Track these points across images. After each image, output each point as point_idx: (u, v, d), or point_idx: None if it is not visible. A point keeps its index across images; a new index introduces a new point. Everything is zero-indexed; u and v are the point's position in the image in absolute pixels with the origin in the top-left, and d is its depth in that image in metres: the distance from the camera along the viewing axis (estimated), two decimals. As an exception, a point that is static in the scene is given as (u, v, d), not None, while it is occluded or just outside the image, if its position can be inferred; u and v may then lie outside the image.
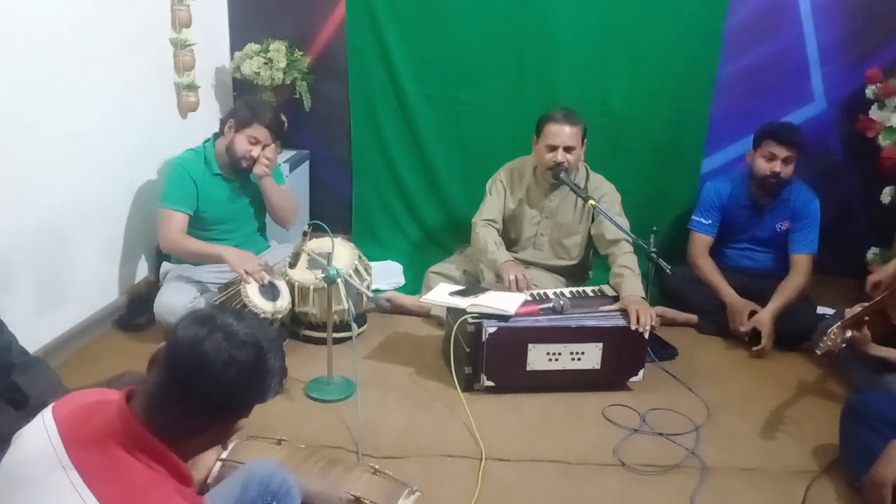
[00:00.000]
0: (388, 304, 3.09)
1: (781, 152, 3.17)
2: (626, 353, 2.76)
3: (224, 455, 1.90)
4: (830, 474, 2.36)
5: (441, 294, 2.88)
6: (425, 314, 3.28)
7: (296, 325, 3.08)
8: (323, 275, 2.61)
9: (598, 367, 2.74)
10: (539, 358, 2.70)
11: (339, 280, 2.62)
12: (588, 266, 3.37)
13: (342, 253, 2.99)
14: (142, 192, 3.27)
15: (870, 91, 3.43)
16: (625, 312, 2.74)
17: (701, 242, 3.39)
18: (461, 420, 2.57)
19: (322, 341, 2.82)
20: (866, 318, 2.44)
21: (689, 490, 2.28)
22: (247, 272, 2.81)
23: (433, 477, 2.26)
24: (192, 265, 3.05)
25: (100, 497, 1.11)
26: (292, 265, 3.02)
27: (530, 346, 2.69)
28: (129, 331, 3.08)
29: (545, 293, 2.88)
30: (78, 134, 2.83)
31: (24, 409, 1.92)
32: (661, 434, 2.55)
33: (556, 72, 3.67)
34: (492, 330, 2.66)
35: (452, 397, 2.68)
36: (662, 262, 2.78)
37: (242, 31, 3.83)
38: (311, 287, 2.92)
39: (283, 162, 3.62)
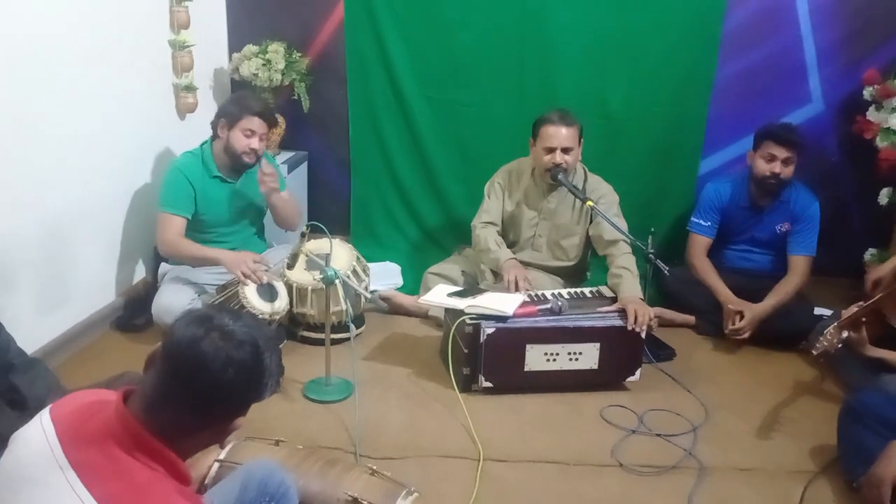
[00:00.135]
0: (385, 303, 3.10)
1: (781, 153, 3.17)
2: (623, 353, 2.77)
3: (222, 456, 1.90)
4: (828, 474, 2.37)
5: (439, 295, 2.89)
6: (424, 315, 3.27)
7: (294, 326, 3.08)
8: (321, 276, 2.62)
9: (595, 367, 2.74)
10: (537, 358, 2.71)
11: (337, 281, 2.62)
12: (586, 267, 3.37)
13: (340, 254, 2.99)
14: (140, 192, 3.27)
15: (867, 93, 3.43)
16: (622, 313, 2.75)
17: (699, 244, 3.39)
18: (459, 420, 2.57)
19: (320, 342, 2.82)
20: (863, 319, 2.45)
21: (686, 490, 2.28)
22: (244, 274, 2.81)
23: (431, 477, 2.26)
24: (189, 267, 3.05)
25: (98, 497, 1.11)
26: (290, 266, 3.02)
27: (528, 346, 2.69)
28: (127, 332, 3.07)
29: (543, 294, 2.88)
30: (77, 134, 2.83)
31: (23, 409, 1.93)
32: (658, 434, 2.56)
33: (554, 73, 3.68)
34: (490, 331, 2.66)
35: (451, 398, 2.68)
36: (660, 263, 2.78)
37: (241, 32, 3.83)
38: (310, 288, 2.92)
39: (282, 163, 3.63)
